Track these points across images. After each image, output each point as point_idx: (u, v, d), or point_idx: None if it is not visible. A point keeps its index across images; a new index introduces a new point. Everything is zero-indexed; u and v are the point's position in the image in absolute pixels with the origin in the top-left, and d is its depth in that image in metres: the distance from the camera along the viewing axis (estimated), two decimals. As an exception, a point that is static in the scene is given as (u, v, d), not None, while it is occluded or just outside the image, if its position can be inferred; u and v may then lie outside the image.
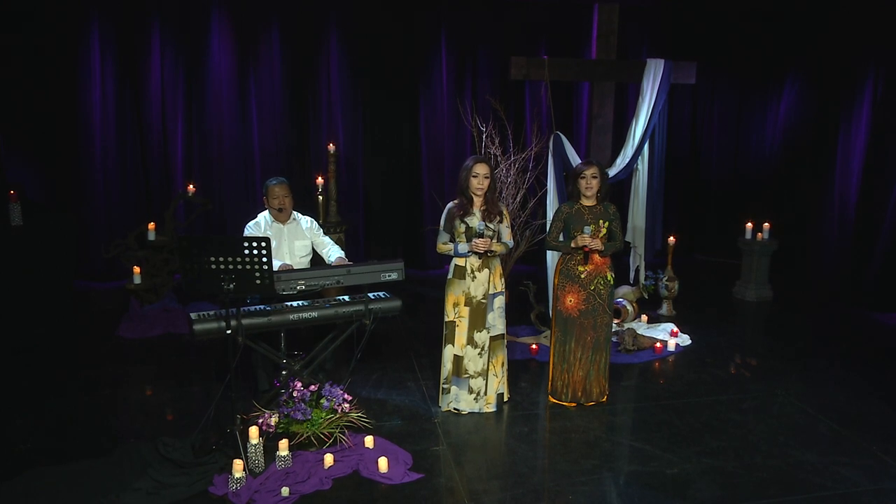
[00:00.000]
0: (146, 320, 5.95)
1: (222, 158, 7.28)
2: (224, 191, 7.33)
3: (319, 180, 6.56)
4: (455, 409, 4.46)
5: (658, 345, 5.55)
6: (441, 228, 4.40)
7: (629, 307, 6.08)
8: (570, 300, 4.47)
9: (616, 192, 6.76)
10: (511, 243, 4.44)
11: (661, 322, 6.19)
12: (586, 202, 4.45)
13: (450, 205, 4.39)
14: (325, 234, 5.04)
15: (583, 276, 4.43)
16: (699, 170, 8.56)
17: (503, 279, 4.46)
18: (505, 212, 4.39)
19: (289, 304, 4.24)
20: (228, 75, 7.13)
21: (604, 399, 4.60)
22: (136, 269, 6.14)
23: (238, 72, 7.16)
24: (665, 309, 6.51)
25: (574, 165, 5.65)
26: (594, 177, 4.39)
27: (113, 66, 6.91)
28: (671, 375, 5.15)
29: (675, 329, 5.91)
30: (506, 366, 4.54)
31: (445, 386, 4.46)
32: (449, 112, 7.54)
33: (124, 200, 7.16)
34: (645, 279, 6.34)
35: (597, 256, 4.42)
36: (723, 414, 4.48)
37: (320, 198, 6.53)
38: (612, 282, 4.49)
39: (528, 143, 6.17)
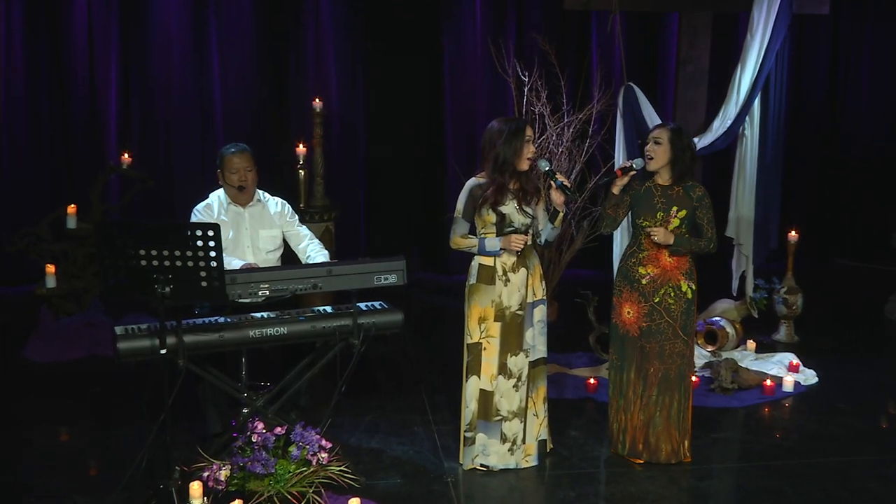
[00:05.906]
0: (62, 338, 6.01)
1: (171, 119, 7.39)
2: (173, 163, 7.45)
3: (301, 149, 6.62)
4: (482, 465, 4.46)
5: (769, 382, 5.51)
6: (459, 215, 4.42)
7: (730, 329, 6.04)
8: (629, 312, 4.49)
9: (712, 167, 6.72)
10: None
11: (776, 351, 6.16)
12: (658, 179, 4.46)
13: (471, 183, 4.41)
14: (304, 222, 5.09)
15: (644, 281, 4.44)
16: (838, 137, 8.45)
17: (544, 284, 4.49)
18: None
19: (249, 315, 4.29)
20: (180, 6, 7.25)
21: (685, 460, 4.57)
22: (50, 269, 6.15)
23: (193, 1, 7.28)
24: (783, 333, 6.46)
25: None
26: (657, 142, 4.39)
27: (21, -2, 7.05)
28: (786, 425, 5.13)
29: (796, 361, 5.87)
30: (547, 402, 4.56)
31: (468, 434, 4.47)
32: (484, 57, 7.55)
33: (36, 176, 7.28)
34: (753, 291, 6.28)
35: (665, 256, 4.42)
36: (856, 482, 4.43)
37: (301, 173, 6.59)
38: (689, 295, 4.46)
39: (591, 99, 6.17)
